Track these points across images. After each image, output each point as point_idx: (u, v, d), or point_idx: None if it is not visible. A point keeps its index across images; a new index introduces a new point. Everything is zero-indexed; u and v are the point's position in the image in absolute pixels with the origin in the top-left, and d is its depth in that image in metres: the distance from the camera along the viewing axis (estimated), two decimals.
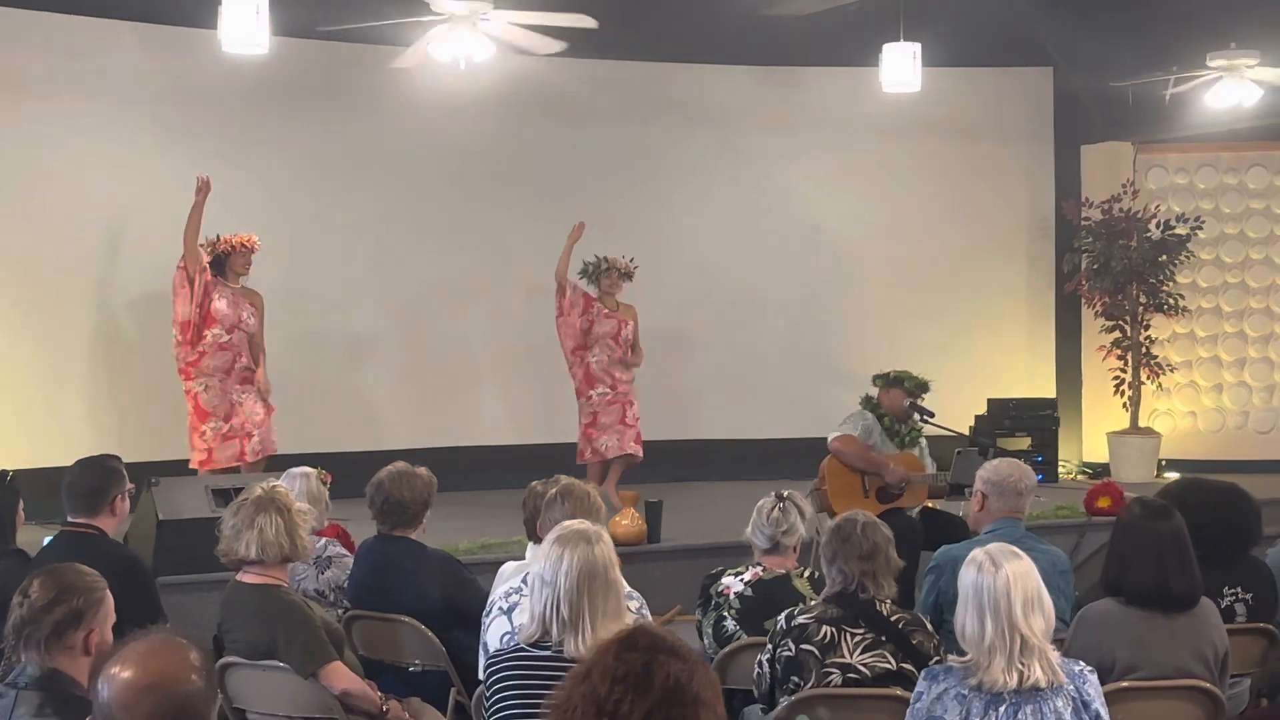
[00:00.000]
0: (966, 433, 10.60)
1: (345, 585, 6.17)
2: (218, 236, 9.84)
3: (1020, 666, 3.89)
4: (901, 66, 10.77)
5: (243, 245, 9.84)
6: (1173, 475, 12.37)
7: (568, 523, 4.26)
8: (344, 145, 11.73)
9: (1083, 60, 12.66)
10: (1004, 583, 3.92)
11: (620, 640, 2.52)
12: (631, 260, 10.84)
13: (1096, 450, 12.93)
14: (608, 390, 10.71)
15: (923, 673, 4.14)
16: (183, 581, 7.42)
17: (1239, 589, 5.56)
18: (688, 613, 7.64)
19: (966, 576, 4.00)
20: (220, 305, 9.71)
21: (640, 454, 10.74)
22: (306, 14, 10.39)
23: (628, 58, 12.25)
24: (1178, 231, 12.48)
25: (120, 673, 2.75)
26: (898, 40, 10.78)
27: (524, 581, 4.90)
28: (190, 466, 9.70)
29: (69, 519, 5.73)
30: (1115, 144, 13.03)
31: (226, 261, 9.82)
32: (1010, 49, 12.92)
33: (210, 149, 11.14)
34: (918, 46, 10.73)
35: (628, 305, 10.90)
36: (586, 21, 9.27)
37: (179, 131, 11.09)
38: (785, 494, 5.65)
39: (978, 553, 4.03)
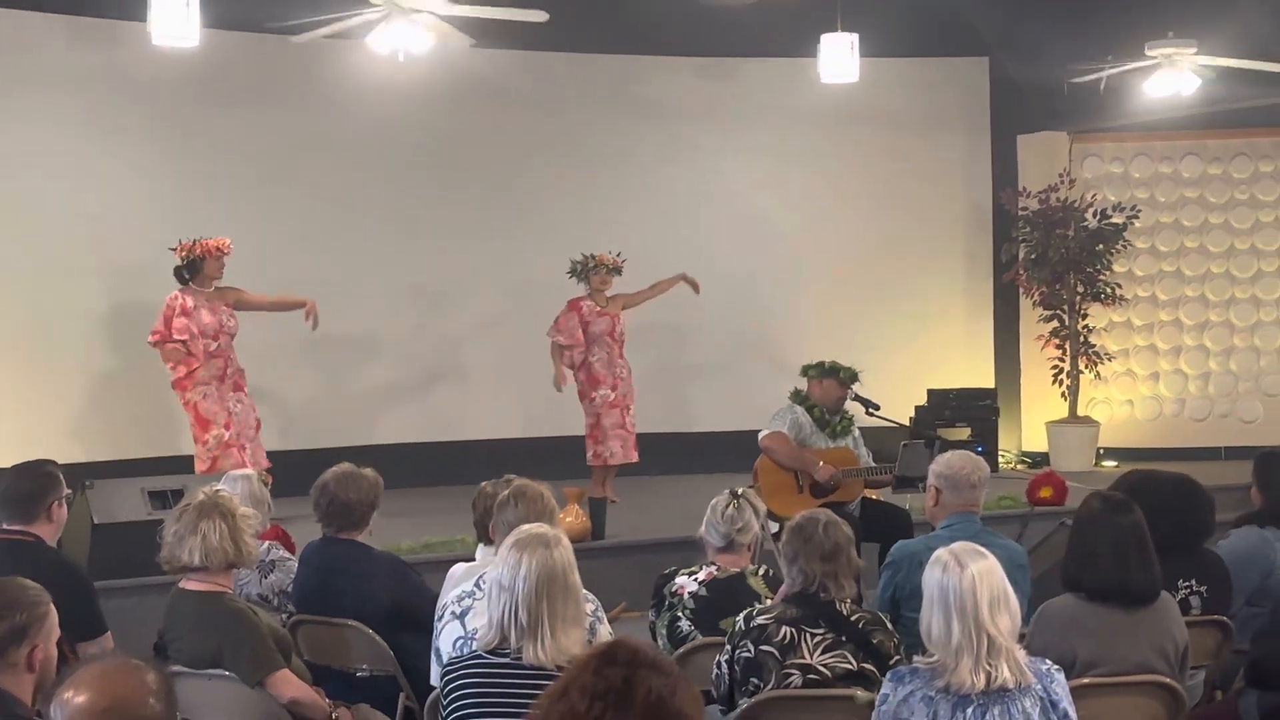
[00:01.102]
0: (908, 424, 10.60)
1: (289, 590, 6.05)
2: (193, 241, 9.65)
3: (988, 667, 3.83)
4: (839, 57, 10.71)
5: (217, 250, 9.69)
6: (1111, 464, 12.47)
7: (526, 526, 4.16)
8: (277, 138, 11.58)
9: (1019, 50, 12.70)
10: (970, 583, 3.85)
11: (599, 654, 2.44)
12: (619, 255, 10.82)
13: (1035, 440, 12.99)
14: (609, 392, 10.72)
15: (888, 674, 4.07)
16: (119, 586, 7.26)
17: (1193, 581, 5.54)
18: (633, 609, 7.59)
19: (931, 576, 3.94)
20: (202, 316, 9.58)
21: (635, 457, 10.85)
22: (237, 5, 10.22)
23: (567, 49, 12.18)
24: (1114, 221, 12.55)
25: (74, 697, 2.65)
26: (835, 31, 10.72)
27: (477, 585, 4.80)
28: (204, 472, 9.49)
29: (4, 526, 5.58)
30: (1051, 134, 13.10)
31: (201, 266, 9.64)
32: (947, 39, 12.96)
33: (141, 143, 10.98)
34: (855, 37, 10.68)
35: (613, 296, 10.89)
36: (535, 15, 9.19)
37: (109, 125, 10.91)
38: (739, 491, 5.57)
39: (942, 552, 3.96)
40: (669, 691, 2.38)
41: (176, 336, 9.54)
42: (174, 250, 9.66)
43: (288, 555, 6.27)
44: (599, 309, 10.71)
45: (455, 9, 9.24)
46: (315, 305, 9.99)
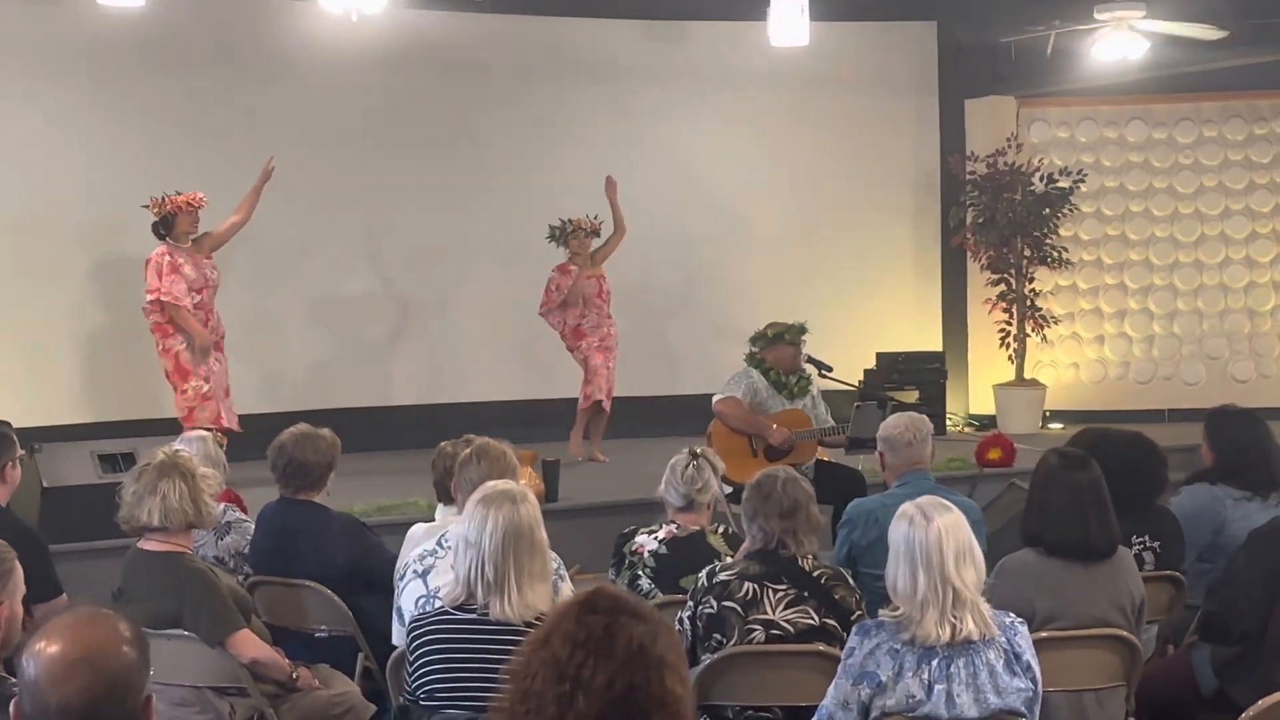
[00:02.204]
0: (856, 386, 10.64)
1: (245, 551, 6.01)
2: (163, 197, 9.51)
3: (953, 619, 3.87)
4: (789, 20, 10.68)
5: (188, 204, 9.52)
6: (1057, 426, 12.58)
7: (492, 483, 4.17)
8: (227, 100, 11.41)
9: (967, 14, 12.73)
10: (936, 536, 3.88)
11: (580, 603, 2.44)
12: (596, 217, 10.92)
13: (983, 402, 13.08)
14: (596, 340, 10.94)
15: (855, 627, 4.10)
16: (69, 550, 7.19)
17: (1147, 538, 5.61)
18: (587, 571, 7.60)
19: (897, 530, 3.96)
20: (187, 270, 9.44)
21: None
22: None
23: (517, 11, 12.10)
24: (1060, 185, 12.63)
25: (48, 648, 2.63)
26: None
27: (439, 543, 4.80)
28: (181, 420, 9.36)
29: None
30: (998, 98, 13.15)
31: (174, 222, 9.50)
32: (896, 3, 12.98)
33: (86, 105, 10.84)
34: (805, 0, 10.66)
35: (592, 254, 10.96)
36: None
37: (53, 86, 10.75)
38: (699, 451, 5.58)
39: (908, 506, 3.99)
40: (650, 639, 2.39)
41: (175, 301, 9.37)
42: (147, 207, 9.53)
43: (244, 517, 6.24)
44: (588, 274, 10.84)
45: None
46: (269, 164, 9.80)
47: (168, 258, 9.42)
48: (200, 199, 9.59)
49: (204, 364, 9.42)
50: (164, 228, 9.48)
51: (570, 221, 10.85)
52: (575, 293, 10.77)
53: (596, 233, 10.92)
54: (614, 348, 11.06)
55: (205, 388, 9.43)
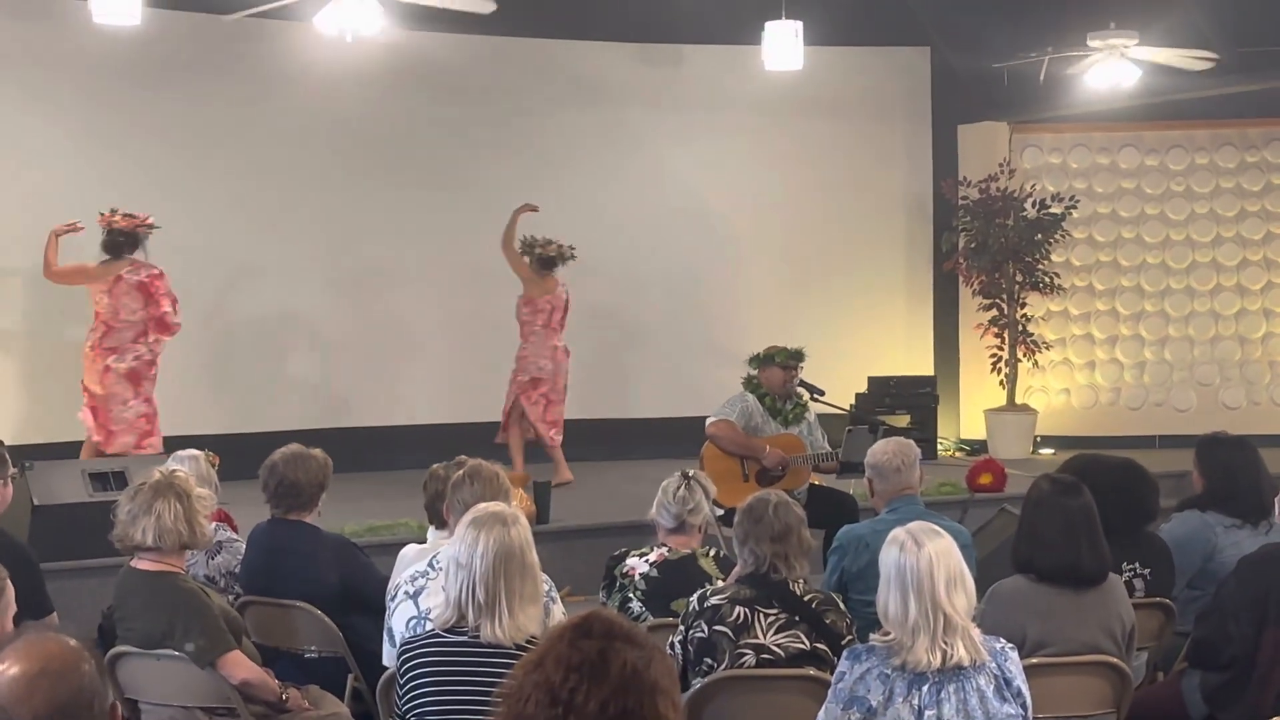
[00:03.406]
0: (848, 410, 10.64)
1: (236, 571, 6.01)
2: (112, 211, 9.56)
3: (944, 645, 3.87)
4: (783, 44, 10.72)
5: (148, 226, 9.67)
6: (1048, 451, 12.59)
7: (483, 505, 4.16)
8: (223, 119, 11.44)
9: (960, 40, 12.78)
10: (927, 562, 3.88)
11: (574, 626, 2.44)
12: (572, 248, 10.99)
13: (974, 427, 13.10)
14: (546, 380, 10.85)
15: (845, 652, 4.10)
16: (59, 568, 7.18)
17: (1137, 564, 5.61)
18: (577, 594, 7.60)
19: (889, 556, 3.96)
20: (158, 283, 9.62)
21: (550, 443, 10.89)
22: None
23: (513, 34, 12.11)
24: (1053, 211, 12.67)
25: (7, 669, 2.63)
26: (780, 18, 10.73)
27: (430, 565, 4.79)
28: (96, 443, 9.45)
29: None
30: (991, 124, 13.20)
31: (141, 241, 9.63)
32: (890, 28, 13.03)
33: (80, 123, 10.85)
34: (799, 25, 10.69)
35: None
36: (485, 6, 9.18)
37: (48, 105, 10.76)
38: (690, 473, 5.59)
39: (899, 532, 3.99)
40: (644, 664, 2.39)
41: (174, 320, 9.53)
42: (112, 221, 9.56)
43: (234, 536, 6.23)
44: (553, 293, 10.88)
45: None
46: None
47: (163, 280, 9.60)
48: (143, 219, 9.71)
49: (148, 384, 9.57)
50: (130, 246, 9.65)
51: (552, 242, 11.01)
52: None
53: (571, 257, 11.06)
54: (558, 379, 10.96)
55: (128, 413, 9.53)
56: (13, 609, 3.64)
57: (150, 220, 9.70)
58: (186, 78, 11.29)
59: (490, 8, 9.30)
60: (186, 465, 5.99)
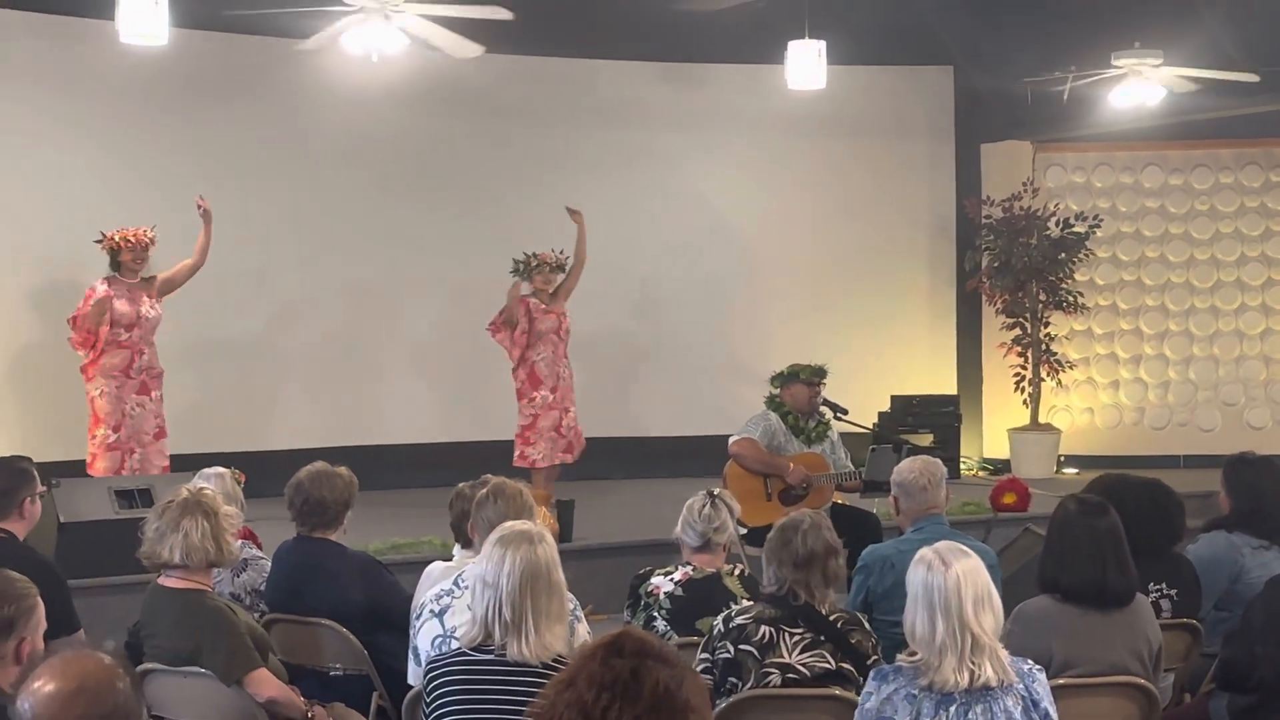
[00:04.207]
0: (871, 429, 10.62)
1: (262, 588, 6.02)
2: (101, 234, 9.59)
3: (971, 665, 3.86)
4: (806, 64, 10.77)
5: (126, 241, 9.59)
6: (1071, 471, 12.56)
7: (510, 523, 4.17)
8: (247, 139, 11.51)
9: (984, 59, 12.78)
10: (954, 581, 3.88)
11: (605, 645, 2.44)
12: (561, 252, 10.55)
13: (997, 446, 13.07)
14: (549, 394, 10.36)
15: (872, 672, 4.09)
16: (85, 586, 7.20)
17: (1164, 585, 5.59)
18: (600, 612, 7.59)
19: (916, 575, 3.95)
20: (119, 305, 9.49)
21: (571, 459, 10.49)
22: (207, 4, 10.18)
23: (536, 53, 12.16)
24: (1076, 230, 12.65)
25: (43, 686, 2.65)
26: (803, 38, 10.77)
27: (456, 583, 4.80)
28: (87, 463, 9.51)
29: None
30: (1015, 143, 13.20)
31: (117, 258, 9.59)
32: (913, 48, 13.04)
33: (107, 144, 10.91)
34: (822, 44, 10.74)
35: (554, 293, 10.52)
36: (501, 14, 9.16)
37: (74, 125, 10.83)
38: (715, 492, 5.59)
39: (926, 551, 3.99)
40: (676, 684, 2.39)
41: (82, 324, 9.47)
42: (99, 242, 9.62)
43: (260, 554, 6.24)
44: (544, 307, 10.38)
45: (421, 8, 9.21)
46: (203, 204, 9.83)
47: (102, 287, 9.52)
48: (143, 235, 9.64)
49: (117, 412, 9.48)
50: (112, 265, 9.58)
51: (535, 255, 10.42)
52: (513, 311, 10.29)
53: (561, 267, 10.49)
54: (570, 405, 10.52)
55: (112, 437, 9.49)
56: (43, 625, 3.65)
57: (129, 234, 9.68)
58: (212, 97, 11.35)
59: (507, 16, 9.29)
60: (213, 483, 6.01)
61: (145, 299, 9.64)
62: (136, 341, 9.58)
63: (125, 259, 9.59)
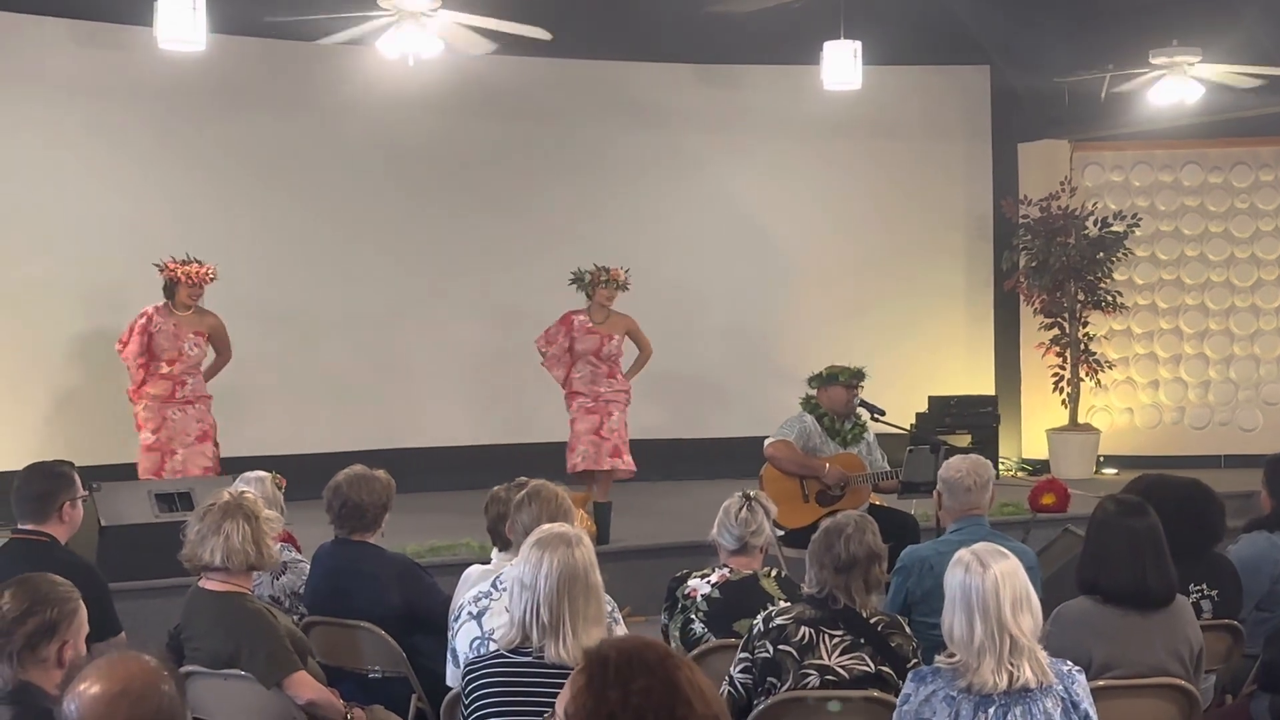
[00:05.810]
0: (909, 430, 10.60)
1: (300, 591, 6.05)
2: (162, 264, 9.60)
3: (1010, 667, 3.84)
4: (842, 64, 10.76)
5: (188, 277, 9.58)
6: (1110, 471, 12.49)
7: (547, 525, 4.17)
8: (285, 144, 11.58)
9: (1020, 58, 12.74)
10: (993, 583, 3.86)
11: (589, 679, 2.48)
12: (627, 271, 10.11)
13: (1036, 447, 13.01)
14: (588, 400, 10.00)
15: (910, 674, 4.08)
16: (126, 589, 7.23)
17: (1204, 585, 5.55)
18: (637, 614, 7.59)
19: (954, 577, 3.94)
20: (160, 340, 9.53)
21: (623, 466, 9.98)
22: (245, 10, 10.23)
23: (571, 56, 12.16)
24: (1115, 229, 12.59)
25: (89, 688, 2.67)
26: (838, 38, 10.76)
27: (494, 585, 4.81)
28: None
29: (18, 526, 5.57)
30: (1052, 142, 13.13)
31: (175, 291, 9.61)
32: (949, 47, 13.00)
33: (146, 148, 10.98)
34: (858, 44, 10.72)
35: (620, 316, 10.12)
36: (539, 33, 9.23)
37: (114, 130, 10.92)
38: (752, 494, 5.57)
39: (964, 553, 3.97)
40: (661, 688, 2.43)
41: (126, 358, 9.57)
42: (157, 266, 9.64)
43: (299, 557, 6.28)
44: (589, 325, 9.98)
45: (461, 18, 9.25)
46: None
47: (144, 319, 9.56)
48: (203, 274, 9.62)
49: (157, 418, 9.54)
50: (166, 292, 9.62)
51: (605, 270, 9.98)
52: (553, 336, 10.01)
53: (626, 286, 10.09)
54: (616, 411, 10.04)
55: (151, 439, 9.54)
56: (85, 629, 3.68)
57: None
58: (250, 103, 11.42)
59: (545, 35, 9.34)
60: (254, 487, 6.04)
61: (191, 335, 9.63)
62: (178, 374, 9.60)
63: (181, 294, 9.60)
